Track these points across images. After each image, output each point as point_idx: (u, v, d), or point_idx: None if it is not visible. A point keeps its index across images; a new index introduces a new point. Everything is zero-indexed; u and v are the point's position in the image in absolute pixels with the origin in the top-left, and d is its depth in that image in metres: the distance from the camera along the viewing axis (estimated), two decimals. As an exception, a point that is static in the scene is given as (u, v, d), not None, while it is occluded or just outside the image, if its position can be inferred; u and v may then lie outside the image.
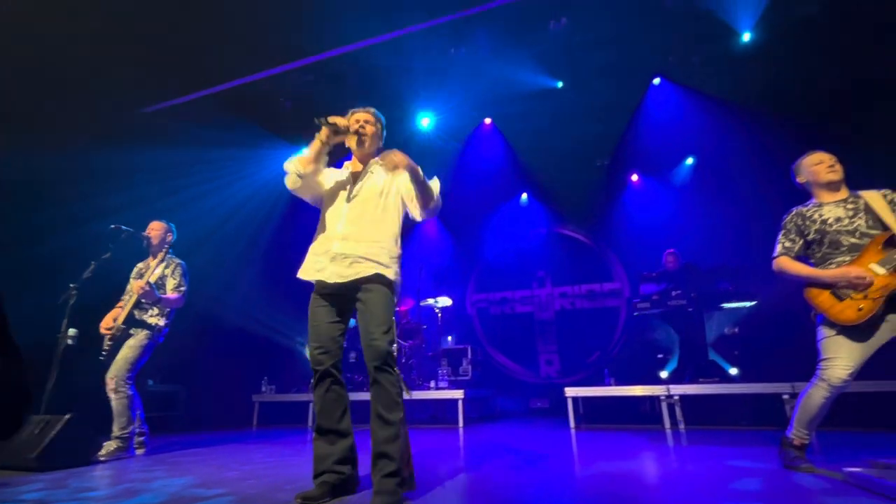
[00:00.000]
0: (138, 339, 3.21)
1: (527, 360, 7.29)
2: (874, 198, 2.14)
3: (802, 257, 2.29)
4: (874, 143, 4.42)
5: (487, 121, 6.73)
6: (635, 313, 5.00)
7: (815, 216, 2.22)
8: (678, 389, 4.01)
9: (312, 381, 1.90)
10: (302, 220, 6.75)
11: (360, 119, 2.10)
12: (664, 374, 4.81)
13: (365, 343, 1.81)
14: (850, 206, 2.17)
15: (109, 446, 3.00)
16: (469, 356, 5.59)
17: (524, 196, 7.92)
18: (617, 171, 7.12)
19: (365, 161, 2.12)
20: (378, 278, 1.87)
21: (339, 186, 2.06)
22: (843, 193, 2.23)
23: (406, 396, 1.83)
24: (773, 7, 4.68)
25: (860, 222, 2.11)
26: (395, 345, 1.82)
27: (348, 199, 2.00)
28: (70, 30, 4.27)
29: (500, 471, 2.28)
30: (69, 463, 2.64)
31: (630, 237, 6.91)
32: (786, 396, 3.68)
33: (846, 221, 2.14)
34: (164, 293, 3.34)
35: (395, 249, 2.00)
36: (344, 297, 1.92)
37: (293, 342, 6.50)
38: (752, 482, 1.92)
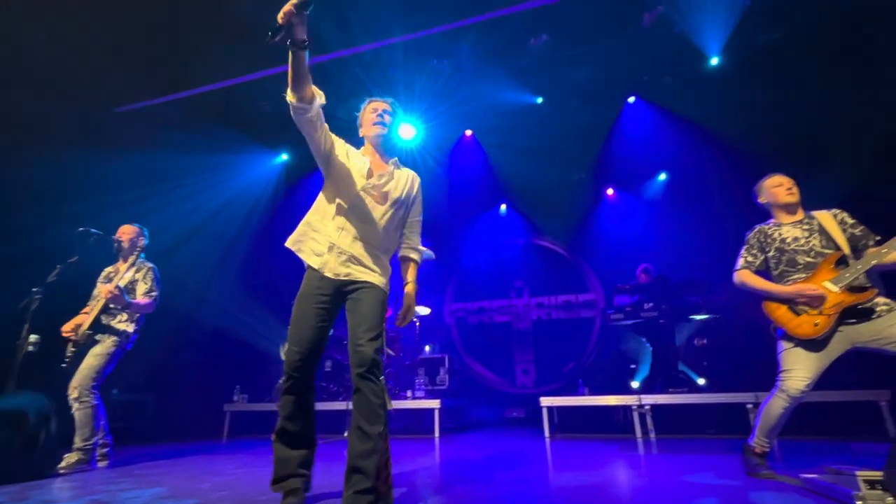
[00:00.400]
0: (105, 346, 3.09)
1: (503, 370, 7.35)
2: (826, 218, 2.30)
3: (762, 272, 2.42)
4: (836, 166, 4.70)
5: (468, 132, 6.84)
6: (609, 324, 5.13)
7: (776, 235, 2.37)
8: (649, 399, 4.12)
9: (281, 381, 1.82)
10: (279, 227, 6.69)
11: (379, 108, 2.02)
12: (635, 385, 4.93)
13: (351, 347, 1.74)
14: (805, 226, 2.32)
15: (70, 458, 2.87)
16: (446, 365, 5.59)
17: (503, 207, 8.03)
18: (593, 185, 7.33)
19: (382, 156, 2.05)
20: (373, 285, 1.85)
21: (356, 172, 1.94)
22: (800, 215, 2.38)
23: (388, 408, 1.73)
24: (738, 34, 4.95)
25: (815, 242, 2.25)
26: (382, 353, 1.77)
27: (363, 192, 1.91)
28: (43, 27, 4.15)
29: (476, 483, 2.29)
30: (27, 475, 2.52)
31: (605, 249, 7.09)
32: (749, 406, 3.84)
33: (802, 241, 2.28)
34: (134, 298, 3.24)
35: (389, 267, 2.00)
36: (335, 295, 1.85)
37: (268, 349, 6.37)
38: (715, 489, 2.00)
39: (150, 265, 3.40)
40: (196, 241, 5.86)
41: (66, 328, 3.12)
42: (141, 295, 3.26)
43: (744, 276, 2.40)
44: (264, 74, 5.42)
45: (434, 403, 4.65)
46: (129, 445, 4.36)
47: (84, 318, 3.15)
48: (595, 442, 3.86)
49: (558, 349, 7.08)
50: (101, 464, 3.08)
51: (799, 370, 2.12)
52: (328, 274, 1.83)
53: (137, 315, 3.27)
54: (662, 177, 6.91)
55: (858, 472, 1.63)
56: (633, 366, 5.33)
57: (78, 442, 2.92)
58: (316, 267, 1.85)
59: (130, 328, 3.22)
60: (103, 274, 3.42)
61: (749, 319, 4.95)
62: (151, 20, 4.49)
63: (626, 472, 2.51)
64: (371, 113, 2.03)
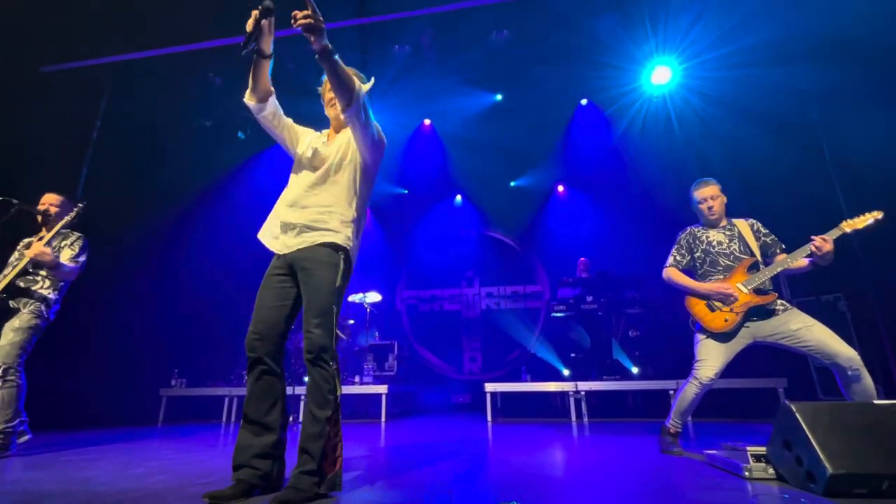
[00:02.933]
0: (24, 318, 2.87)
1: (452, 357, 7.54)
2: (744, 226, 2.62)
3: (688, 271, 2.72)
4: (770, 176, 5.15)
5: (427, 122, 6.84)
6: (552, 315, 5.41)
7: (703, 238, 2.67)
8: (584, 386, 4.43)
9: (246, 365, 1.81)
10: (228, 198, 6.39)
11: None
12: (566, 372, 5.26)
13: (304, 331, 1.71)
14: (728, 232, 2.62)
15: None
16: (395, 352, 5.67)
17: (458, 198, 8.15)
18: (545, 181, 7.60)
19: (340, 128, 2.03)
20: (325, 247, 1.78)
21: (305, 148, 1.95)
22: (724, 221, 2.69)
23: (338, 394, 1.72)
24: (685, 46, 5.29)
25: (735, 247, 2.56)
26: (334, 337, 1.72)
27: (305, 162, 1.93)
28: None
29: (420, 466, 2.40)
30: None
31: (553, 244, 7.41)
32: (671, 392, 4.22)
33: (724, 245, 2.59)
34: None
35: (350, 212, 1.87)
36: (295, 273, 1.82)
37: (210, 333, 6.14)
38: (632, 465, 2.23)
39: (80, 234, 3.20)
40: (131, 208, 5.50)
41: None
42: (66, 260, 3.04)
43: (671, 273, 2.70)
44: (218, 44, 5.14)
45: (382, 389, 4.72)
46: (52, 432, 4.09)
47: None
48: (534, 425, 4.10)
49: (505, 338, 7.36)
50: (22, 439, 2.88)
51: (710, 360, 2.43)
52: (280, 252, 1.84)
53: (61, 283, 3.08)
54: (606, 175, 7.27)
55: (749, 448, 1.89)
56: (572, 355, 5.67)
57: None
58: (272, 248, 1.88)
59: (52, 295, 3.01)
60: (22, 243, 3.19)
61: (674, 313, 5.41)
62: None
63: (558, 452, 2.71)
64: (328, 93, 2.02)
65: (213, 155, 6.51)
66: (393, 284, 8.02)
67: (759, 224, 2.62)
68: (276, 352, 1.81)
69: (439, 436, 3.50)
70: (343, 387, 4.78)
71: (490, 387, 4.65)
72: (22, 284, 2.94)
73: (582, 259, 5.74)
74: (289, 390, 4.47)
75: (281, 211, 1.89)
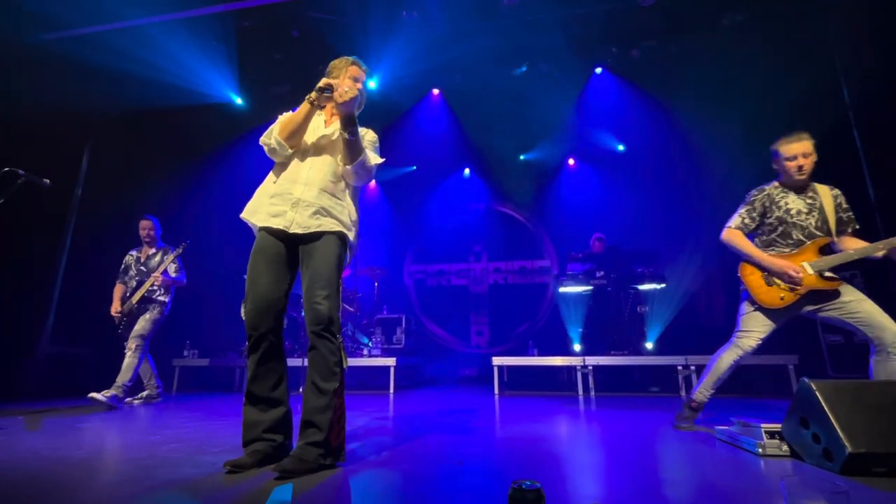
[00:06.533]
0: (153, 313, 4.05)
1: (459, 331, 7.59)
2: (827, 197, 2.32)
3: (751, 235, 2.45)
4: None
5: (436, 91, 6.66)
6: (560, 290, 5.37)
7: (782, 203, 2.34)
8: (592, 360, 4.43)
9: (247, 344, 1.79)
10: (235, 173, 6.33)
11: (358, 75, 1.96)
12: (577, 347, 5.25)
13: (307, 305, 1.71)
14: (809, 200, 2.32)
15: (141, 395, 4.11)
16: (403, 325, 5.70)
17: (467, 171, 8.02)
18: (556, 154, 7.42)
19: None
20: (333, 234, 1.80)
21: (311, 130, 1.92)
22: (806, 186, 2.36)
23: (344, 366, 1.74)
24: (704, 12, 5.03)
25: (812, 220, 2.28)
26: (339, 310, 1.74)
27: (316, 143, 1.88)
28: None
29: (426, 435, 2.41)
30: None
31: (562, 218, 7.31)
32: (679, 367, 4.21)
33: (804, 216, 2.29)
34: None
35: (355, 213, 1.93)
36: (295, 250, 1.82)
37: (220, 304, 6.21)
38: (642, 439, 2.22)
39: (168, 247, 4.27)
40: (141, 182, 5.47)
41: (114, 310, 4.04)
42: (173, 273, 4.18)
43: (735, 236, 2.40)
44: (220, 9, 4.97)
45: (390, 361, 4.76)
46: (69, 399, 4.20)
47: (118, 303, 4.08)
48: (541, 398, 4.13)
49: (512, 312, 7.37)
50: (154, 399, 4.15)
51: (756, 332, 2.31)
52: (292, 230, 1.78)
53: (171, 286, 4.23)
54: (621, 147, 7.09)
55: (762, 425, 1.86)
56: (580, 329, 5.66)
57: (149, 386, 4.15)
58: (275, 226, 1.79)
59: (167, 298, 4.16)
60: (131, 258, 4.23)
61: (686, 290, 5.35)
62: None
63: (567, 425, 2.72)
64: (349, 78, 1.95)
65: (223, 123, 6.42)
66: (401, 258, 8.01)
67: (843, 198, 2.31)
68: (278, 327, 1.80)
69: (447, 407, 3.54)
70: (352, 359, 4.87)
71: (497, 360, 4.67)
72: (146, 294, 4.07)
73: (597, 235, 5.65)
74: (297, 361, 4.51)
75: (293, 188, 1.81)
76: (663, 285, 5.10)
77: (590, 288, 5.22)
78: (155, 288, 4.09)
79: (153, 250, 4.24)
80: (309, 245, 1.79)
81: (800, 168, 2.28)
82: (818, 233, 2.27)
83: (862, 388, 1.66)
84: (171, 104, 5.81)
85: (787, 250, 2.30)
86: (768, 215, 2.37)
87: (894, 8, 4.08)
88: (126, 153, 5.61)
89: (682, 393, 4.27)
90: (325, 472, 1.61)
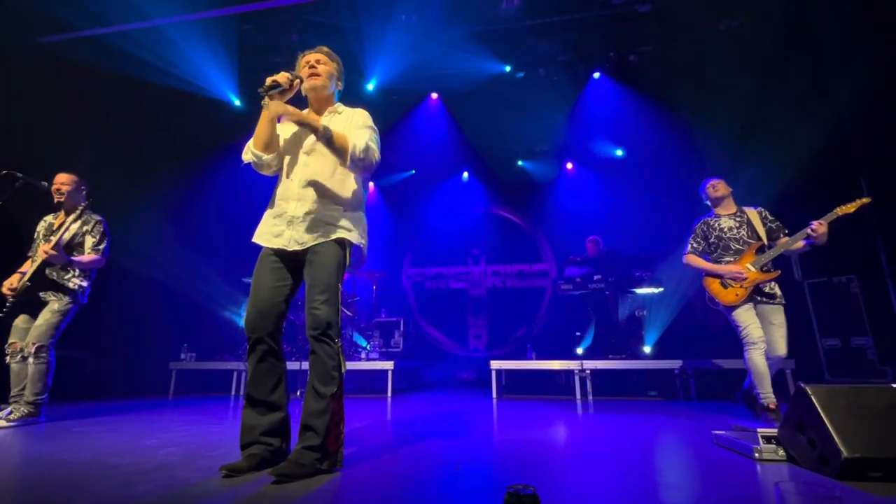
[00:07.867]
0: (62, 303, 3.03)
1: (457, 334, 7.58)
2: (753, 214, 3.00)
3: (704, 255, 3.13)
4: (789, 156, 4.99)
5: (434, 95, 6.68)
6: (559, 294, 5.38)
7: (716, 225, 3.07)
8: (590, 364, 4.43)
9: (246, 347, 1.80)
10: (234, 176, 6.34)
11: (311, 60, 1.91)
12: (580, 351, 5.25)
13: (307, 309, 1.72)
14: (738, 219, 3.02)
15: (20, 410, 2.83)
16: (401, 329, 5.70)
17: (465, 175, 8.04)
18: (554, 158, 7.45)
19: (322, 108, 1.96)
20: (335, 242, 1.79)
21: (296, 140, 1.90)
22: (734, 208, 3.09)
23: (343, 370, 1.74)
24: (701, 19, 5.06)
25: (743, 233, 2.97)
26: (339, 314, 1.74)
27: (305, 154, 1.86)
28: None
29: (423, 440, 2.41)
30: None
31: (560, 222, 7.32)
32: (676, 371, 4.21)
33: (735, 231, 2.99)
34: (82, 252, 3.12)
35: (359, 211, 1.92)
36: (298, 260, 1.83)
37: (218, 307, 6.19)
38: (639, 443, 2.23)
39: (99, 218, 3.24)
40: (139, 188, 5.47)
41: (8, 284, 3.00)
42: (89, 249, 3.13)
43: (691, 258, 3.12)
44: (217, 14, 4.99)
45: (388, 365, 4.76)
46: (65, 403, 4.18)
47: (17, 277, 3.04)
48: (539, 402, 4.13)
49: (510, 316, 7.37)
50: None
51: (751, 323, 2.76)
52: (290, 248, 1.79)
53: (89, 270, 3.18)
54: (619, 152, 7.12)
55: (759, 430, 1.87)
56: (577, 333, 5.66)
57: (28, 395, 2.88)
58: (276, 246, 1.80)
59: (85, 283, 3.14)
60: (44, 224, 3.24)
61: (683, 294, 5.36)
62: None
63: (565, 429, 2.72)
64: (305, 67, 1.93)
65: (224, 125, 6.42)
66: (399, 262, 8.01)
67: (767, 212, 3.01)
68: (277, 332, 1.81)
69: (445, 411, 3.54)
70: (350, 363, 4.85)
71: (495, 364, 4.67)
72: (54, 276, 3.02)
73: (591, 237, 5.66)
74: (296, 365, 4.50)
75: (287, 206, 1.81)
76: (661, 289, 5.11)
77: (588, 292, 5.23)
78: (67, 267, 3.02)
79: (73, 217, 3.11)
80: (311, 251, 1.80)
81: (714, 188, 3.11)
82: (751, 240, 2.94)
83: (857, 393, 1.67)
84: (171, 106, 5.81)
85: (732, 258, 2.96)
86: (709, 237, 3.07)
87: (889, 11, 4.12)
88: (126, 155, 5.60)
89: (680, 397, 4.28)
90: (321, 476, 1.61)
